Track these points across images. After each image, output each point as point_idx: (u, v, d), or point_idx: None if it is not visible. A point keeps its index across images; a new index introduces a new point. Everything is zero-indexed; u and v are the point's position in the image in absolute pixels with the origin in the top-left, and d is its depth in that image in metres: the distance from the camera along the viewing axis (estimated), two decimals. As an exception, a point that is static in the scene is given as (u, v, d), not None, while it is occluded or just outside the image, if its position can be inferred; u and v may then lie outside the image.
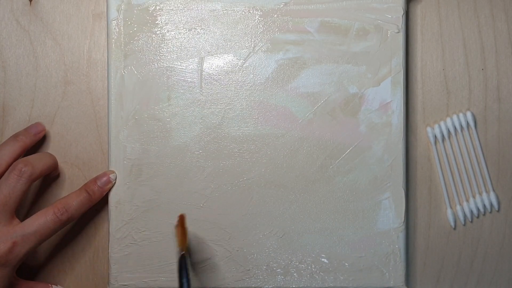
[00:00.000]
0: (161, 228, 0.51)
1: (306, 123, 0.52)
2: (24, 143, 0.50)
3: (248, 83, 0.52)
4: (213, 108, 0.52)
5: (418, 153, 0.54)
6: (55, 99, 0.54)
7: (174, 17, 0.52)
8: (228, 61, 0.52)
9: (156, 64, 0.51)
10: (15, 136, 0.51)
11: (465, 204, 0.54)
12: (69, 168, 0.54)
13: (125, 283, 0.51)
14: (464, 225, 0.55)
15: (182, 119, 0.51)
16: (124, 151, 0.51)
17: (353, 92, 0.52)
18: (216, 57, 0.52)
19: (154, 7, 0.51)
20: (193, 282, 0.51)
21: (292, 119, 0.52)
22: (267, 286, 0.52)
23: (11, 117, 0.53)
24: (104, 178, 0.51)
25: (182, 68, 0.52)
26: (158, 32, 0.51)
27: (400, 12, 0.52)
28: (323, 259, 0.52)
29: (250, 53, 0.52)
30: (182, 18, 0.52)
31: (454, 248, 0.55)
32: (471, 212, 0.54)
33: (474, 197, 0.54)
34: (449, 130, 0.54)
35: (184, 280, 0.45)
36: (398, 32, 0.52)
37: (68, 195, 0.50)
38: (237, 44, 0.52)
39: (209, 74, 0.52)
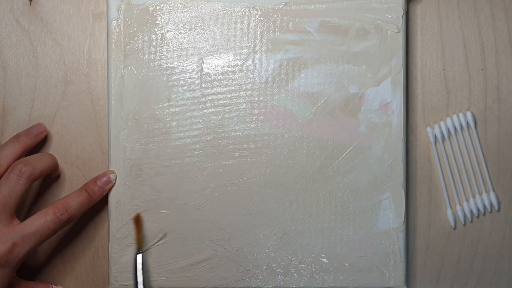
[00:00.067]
0: (161, 228, 0.51)
1: (306, 123, 0.52)
2: (25, 144, 0.50)
3: (248, 83, 0.52)
4: (213, 108, 0.52)
5: (418, 153, 0.54)
6: (55, 99, 0.54)
7: (174, 17, 0.52)
8: (228, 61, 0.52)
9: (156, 64, 0.51)
10: (16, 137, 0.51)
11: (465, 204, 0.54)
12: (69, 168, 0.54)
13: (125, 283, 0.51)
14: (464, 225, 0.55)
15: (182, 119, 0.51)
16: (124, 151, 0.51)
17: (353, 92, 0.52)
18: (216, 57, 0.52)
19: (154, 7, 0.51)
20: (192, 282, 0.51)
21: (292, 119, 0.52)
22: (267, 286, 0.52)
23: (11, 117, 0.53)
24: (104, 178, 0.51)
25: (182, 68, 0.52)
26: (158, 32, 0.51)
27: (400, 12, 0.52)
28: (323, 259, 0.52)
29: (250, 53, 0.52)
30: (182, 18, 0.52)
31: (454, 248, 0.55)
32: (471, 212, 0.54)
33: (474, 197, 0.54)
34: (449, 130, 0.54)
35: (139, 280, 0.46)
36: (398, 32, 0.52)
37: (68, 195, 0.50)
38: (237, 44, 0.52)
39: (209, 74, 0.52)
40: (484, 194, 0.54)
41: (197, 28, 0.52)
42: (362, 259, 0.52)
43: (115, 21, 0.51)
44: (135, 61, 0.51)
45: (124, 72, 0.51)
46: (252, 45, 0.52)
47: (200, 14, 0.52)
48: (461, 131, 0.54)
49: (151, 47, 0.51)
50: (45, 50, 0.53)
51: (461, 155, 0.54)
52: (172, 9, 0.52)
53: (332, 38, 0.52)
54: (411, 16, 0.54)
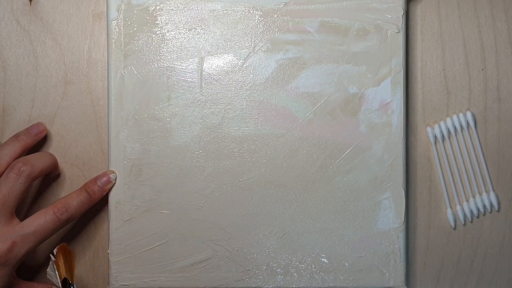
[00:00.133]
0: (161, 228, 0.51)
1: (306, 123, 0.52)
2: (25, 143, 0.50)
3: (248, 83, 0.52)
4: (213, 108, 0.52)
5: (418, 153, 0.54)
6: (55, 99, 0.54)
7: (174, 17, 0.52)
8: (228, 61, 0.52)
9: (156, 64, 0.51)
10: (16, 136, 0.51)
11: (465, 204, 0.54)
12: (69, 168, 0.54)
13: (125, 283, 0.51)
14: (464, 225, 0.54)
15: (182, 119, 0.51)
16: (124, 151, 0.51)
17: (353, 92, 0.52)
18: (216, 57, 0.52)
19: (154, 7, 0.51)
20: (192, 282, 0.51)
21: (292, 119, 0.52)
22: (267, 286, 0.52)
23: (11, 117, 0.53)
24: (104, 178, 0.51)
25: (182, 68, 0.52)
26: (158, 32, 0.51)
27: (400, 12, 0.52)
28: (323, 259, 0.52)
29: (250, 53, 0.52)
30: (182, 18, 0.52)
31: (454, 248, 0.54)
32: (471, 212, 0.54)
33: (474, 197, 0.54)
34: (449, 130, 0.54)
35: None
36: (398, 32, 0.52)
37: (68, 195, 0.50)
38: (237, 44, 0.52)
39: (209, 74, 0.52)
40: (484, 194, 0.54)
41: (197, 28, 0.52)
42: (362, 259, 0.52)
43: (115, 21, 0.51)
44: (135, 61, 0.51)
45: (124, 72, 0.51)
46: (252, 45, 0.52)
47: (200, 14, 0.52)
48: (461, 131, 0.54)
49: (151, 47, 0.51)
50: (45, 50, 0.54)
51: (461, 155, 0.54)
52: (172, 9, 0.52)
53: (332, 38, 0.52)
54: (411, 16, 0.54)
